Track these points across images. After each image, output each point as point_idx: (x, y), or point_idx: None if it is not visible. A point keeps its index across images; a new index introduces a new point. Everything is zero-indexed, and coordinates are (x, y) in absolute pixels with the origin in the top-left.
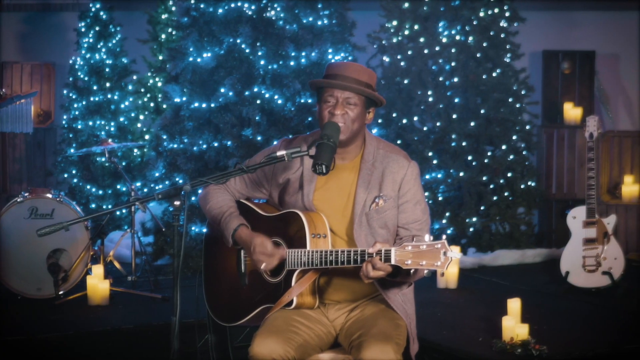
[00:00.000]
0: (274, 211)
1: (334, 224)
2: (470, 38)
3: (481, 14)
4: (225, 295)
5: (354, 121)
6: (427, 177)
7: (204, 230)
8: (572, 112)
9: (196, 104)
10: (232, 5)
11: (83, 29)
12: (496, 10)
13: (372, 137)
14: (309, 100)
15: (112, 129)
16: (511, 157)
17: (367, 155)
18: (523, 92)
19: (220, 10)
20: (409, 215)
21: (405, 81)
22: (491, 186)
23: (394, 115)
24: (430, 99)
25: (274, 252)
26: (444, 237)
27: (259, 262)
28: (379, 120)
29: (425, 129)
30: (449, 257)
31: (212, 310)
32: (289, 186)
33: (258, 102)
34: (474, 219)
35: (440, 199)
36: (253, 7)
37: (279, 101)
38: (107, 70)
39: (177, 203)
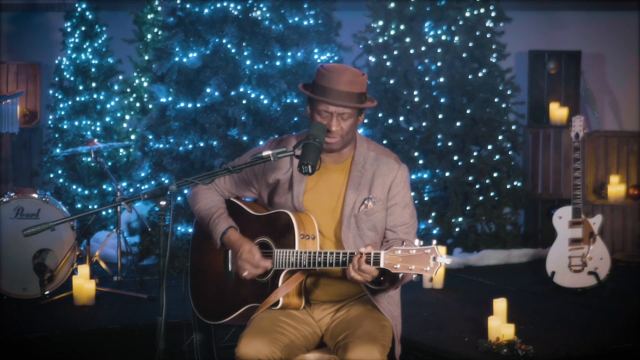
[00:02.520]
0: (264, 210)
1: (323, 225)
2: (456, 38)
3: (467, 14)
4: (211, 293)
5: (348, 132)
6: (413, 177)
7: (190, 230)
8: (558, 112)
9: (182, 104)
10: (218, 5)
11: (69, 29)
12: (482, 11)
13: (362, 138)
14: (295, 100)
15: (98, 129)
16: (497, 157)
17: (357, 157)
18: (509, 92)
19: (206, 10)
20: (396, 218)
21: (391, 81)
22: (477, 186)
23: (380, 115)
24: (416, 99)
25: (260, 263)
26: (434, 242)
27: (242, 270)
28: (365, 120)
29: (411, 129)
30: (438, 262)
31: (197, 308)
32: (278, 187)
33: (244, 102)
34: (460, 219)
35: (426, 199)
36: (239, 7)
37: (265, 101)
38: (93, 70)
39: (163, 203)
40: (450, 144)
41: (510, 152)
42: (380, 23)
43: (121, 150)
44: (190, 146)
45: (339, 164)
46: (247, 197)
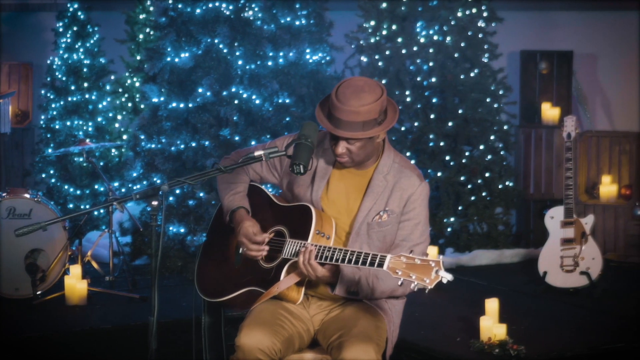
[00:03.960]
0: (287, 203)
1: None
2: (448, 38)
3: (459, 14)
4: (217, 272)
5: (359, 154)
6: None
7: (182, 230)
8: (549, 112)
9: (174, 104)
10: (210, 5)
11: (61, 29)
12: (474, 11)
13: (390, 149)
14: (287, 101)
15: (90, 129)
16: (489, 157)
17: (381, 166)
18: (501, 92)
19: (198, 11)
20: (405, 233)
21: (383, 81)
22: (469, 186)
23: None
24: (408, 99)
25: (257, 238)
26: (441, 256)
27: (241, 244)
28: None
29: (403, 129)
30: (439, 276)
31: (199, 284)
32: (299, 178)
33: (236, 102)
34: (452, 219)
35: None
36: (231, 7)
37: (257, 101)
38: (85, 70)
39: (154, 203)
40: (442, 144)
41: (502, 152)
42: (372, 23)
43: (113, 150)
44: (182, 146)
45: (362, 170)
46: (270, 181)
